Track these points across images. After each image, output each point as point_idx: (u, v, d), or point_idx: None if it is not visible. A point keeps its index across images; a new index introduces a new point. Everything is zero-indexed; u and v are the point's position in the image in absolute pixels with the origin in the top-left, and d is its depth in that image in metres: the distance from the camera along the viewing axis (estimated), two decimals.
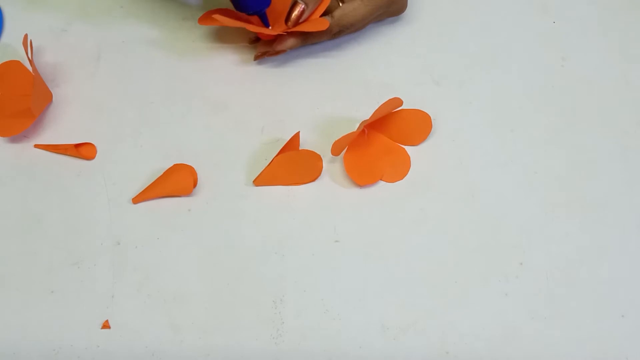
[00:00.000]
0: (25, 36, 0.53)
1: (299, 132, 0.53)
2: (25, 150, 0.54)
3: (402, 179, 0.53)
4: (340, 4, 0.56)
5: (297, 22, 0.54)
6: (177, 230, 0.51)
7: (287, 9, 0.54)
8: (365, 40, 0.59)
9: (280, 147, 0.53)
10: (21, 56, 0.55)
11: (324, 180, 0.53)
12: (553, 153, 0.55)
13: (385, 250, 0.51)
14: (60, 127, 0.54)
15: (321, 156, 0.53)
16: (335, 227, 0.52)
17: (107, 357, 0.47)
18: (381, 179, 0.53)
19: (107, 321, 0.48)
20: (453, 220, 0.52)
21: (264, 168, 0.52)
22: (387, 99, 0.52)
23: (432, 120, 0.55)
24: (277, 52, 0.56)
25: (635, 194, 0.54)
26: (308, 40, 0.56)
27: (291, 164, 0.52)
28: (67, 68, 0.57)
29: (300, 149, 0.54)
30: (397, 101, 0.52)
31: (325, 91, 0.57)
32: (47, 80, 0.55)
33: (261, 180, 0.52)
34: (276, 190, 0.53)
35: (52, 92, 0.55)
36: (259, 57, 0.57)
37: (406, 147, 0.54)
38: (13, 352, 0.47)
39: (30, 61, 0.52)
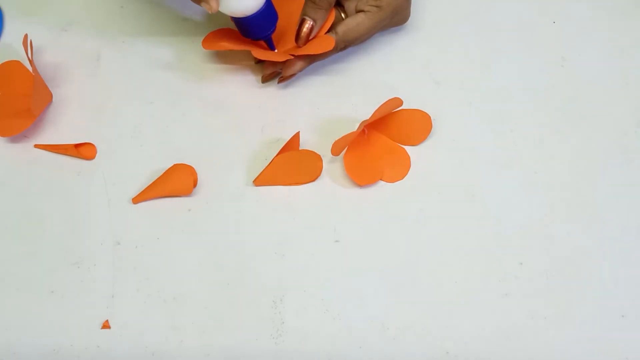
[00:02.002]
0: (25, 36, 0.53)
1: (299, 132, 0.53)
2: (25, 150, 0.54)
3: (402, 179, 0.53)
4: (343, 15, 0.55)
5: (307, 40, 0.53)
6: (177, 230, 0.51)
7: (291, 26, 0.53)
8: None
9: (280, 147, 0.53)
10: (21, 56, 0.55)
11: (324, 180, 0.53)
12: (553, 153, 0.55)
13: (385, 250, 0.51)
14: (60, 127, 0.54)
15: (321, 156, 0.52)
16: (335, 227, 0.52)
17: (107, 357, 0.47)
18: (381, 179, 0.53)
19: (107, 321, 0.48)
20: (453, 220, 0.52)
21: (264, 168, 0.52)
22: (387, 99, 0.52)
23: (432, 120, 0.55)
24: (288, 78, 0.55)
25: (635, 194, 0.54)
26: (315, 58, 0.55)
27: (291, 164, 0.52)
28: (67, 68, 0.57)
29: (300, 149, 0.54)
30: (397, 101, 0.52)
31: (325, 91, 0.56)
32: (47, 80, 0.55)
33: (261, 180, 0.52)
34: (276, 190, 0.53)
35: (52, 92, 0.55)
36: (268, 79, 0.56)
37: (406, 147, 0.54)
38: (13, 352, 0.47)
39: (30, 61, 0.52)
